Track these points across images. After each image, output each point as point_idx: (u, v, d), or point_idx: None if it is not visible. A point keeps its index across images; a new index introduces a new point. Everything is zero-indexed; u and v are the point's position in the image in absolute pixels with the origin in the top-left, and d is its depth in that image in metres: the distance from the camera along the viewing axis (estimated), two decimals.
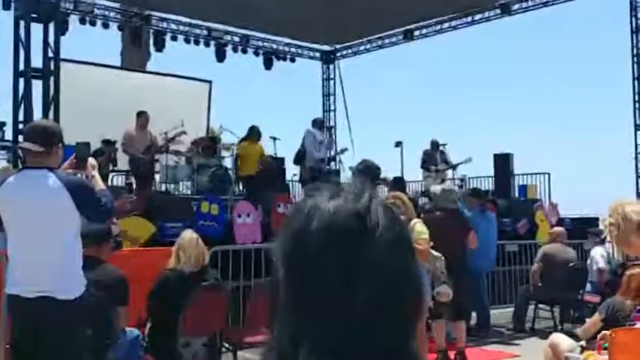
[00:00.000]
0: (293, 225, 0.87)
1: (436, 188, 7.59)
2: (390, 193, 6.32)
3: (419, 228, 5.44)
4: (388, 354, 0.83)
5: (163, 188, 11.36)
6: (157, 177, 11.40)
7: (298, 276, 0.84)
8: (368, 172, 5.72)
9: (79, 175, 3.74)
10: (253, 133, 11.29)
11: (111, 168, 11.20)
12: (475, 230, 7.39)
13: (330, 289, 0.82)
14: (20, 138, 7.17)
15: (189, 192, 11.57)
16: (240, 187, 11.35)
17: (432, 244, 5.53)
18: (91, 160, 3.92)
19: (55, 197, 3.41)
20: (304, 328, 0.82)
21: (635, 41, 13.69)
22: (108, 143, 10.77)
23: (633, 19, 13.72)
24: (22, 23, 7.61)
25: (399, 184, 8.34)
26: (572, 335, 5.37)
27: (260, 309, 5.59)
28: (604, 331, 3.90)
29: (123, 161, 10.93)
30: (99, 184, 3.75)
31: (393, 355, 0.84)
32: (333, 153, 12.32)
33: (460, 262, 6.57)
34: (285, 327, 0.85)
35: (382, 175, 7.02)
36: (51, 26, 7.58)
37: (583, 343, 4.48)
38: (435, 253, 5.61)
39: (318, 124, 11.63)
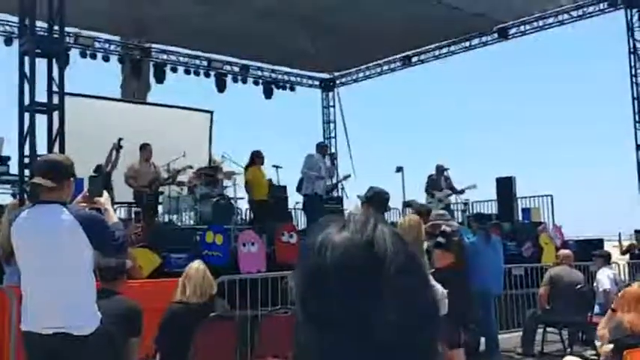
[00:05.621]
0: (305, 264, 0.88)
1: (432, 214, 7.67)
2: (407, 216, 6.28)
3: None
4: None
5: (166, 219, 11.37)
6: (160, 208, 11.41)
7: (316, 313, 0.85)
8: (376, 199, 5.68)
9: (91, 210, 3.73)
10: (259, 157, 11.46)
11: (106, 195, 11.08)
12: (479, 254, 7.35)
13: (349, 323, 0.83)
14: (26, 172, 7.20)
15: (192, 222, 11.56)
16: (249, 214, 11.34)
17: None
18: (104, 194, 3.94)
19: (68, 232, 3.39)
20: None
21: (632, 61, 13.80)
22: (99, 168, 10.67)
23: (630, 40, 13.86)
24: (26, 59, 7.71)
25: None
26: (582, 357, 5.36)
27: (269, 338, 5.55)
28: None
29: (123, 193, 10.88)
30: (112, 218, 3.75)
31: None
32: (335, 180, 12.35)
33: (455, 286, 6.53)
34: None
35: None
36: (55, 61, 7.66)
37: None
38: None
39: (320, 149, 11.74)
